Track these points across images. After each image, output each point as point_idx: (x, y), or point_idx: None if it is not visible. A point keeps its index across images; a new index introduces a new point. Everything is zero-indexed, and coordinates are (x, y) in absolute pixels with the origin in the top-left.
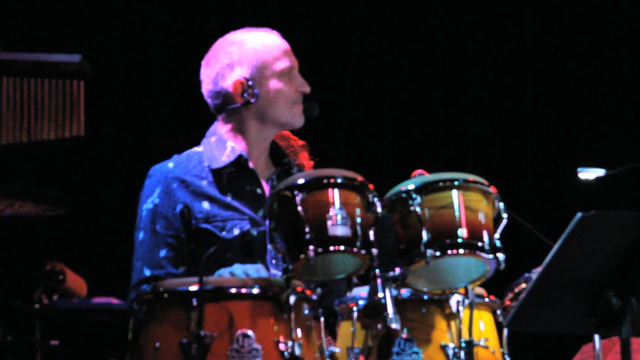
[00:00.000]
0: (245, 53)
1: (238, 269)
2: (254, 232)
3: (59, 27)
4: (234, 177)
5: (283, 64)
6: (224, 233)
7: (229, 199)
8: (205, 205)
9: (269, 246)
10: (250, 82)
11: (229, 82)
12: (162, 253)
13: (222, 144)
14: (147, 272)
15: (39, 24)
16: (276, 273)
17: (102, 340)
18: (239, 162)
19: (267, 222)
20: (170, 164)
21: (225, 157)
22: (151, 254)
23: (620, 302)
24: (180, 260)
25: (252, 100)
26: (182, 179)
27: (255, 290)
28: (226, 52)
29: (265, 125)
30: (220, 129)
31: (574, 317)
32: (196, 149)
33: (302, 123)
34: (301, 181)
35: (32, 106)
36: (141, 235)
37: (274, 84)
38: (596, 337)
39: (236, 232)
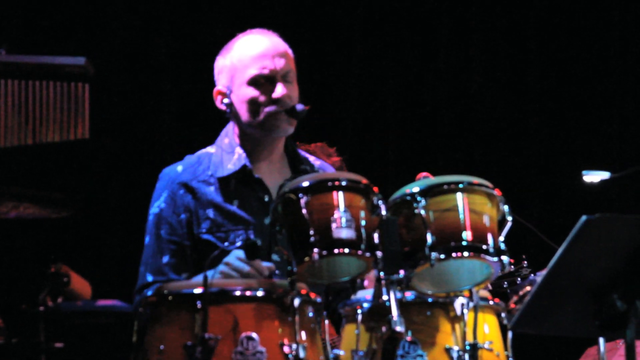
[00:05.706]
0: (226, 63)
1: (230, 258)
2: (259, 242)
3: (64, 30)
4: (241, 184)
5: (253, 71)
6: (226, 244)
7: (234, 207)
8: (210, 213)
9: (274, 256)
10: (228, 92)
11: (215, 90)
12: (165, 259)
13: (231, 149)
14: (150, 278)
15: (43, 27)
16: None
17: (106, 343)
18: (244, 172)
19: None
20: (180, 167)
21: (231, 165)
22: (154, 260)
23: (624, 305)
24: (182, 267)
25: (227, 110)
26: (189, 185)
27: (260, 293)
28: (218, 60)
29: (248, 132)
30: (231, 130)
31: (579, 320)
32: (209, 149)
33: (283, 131)
34: (305, 184)
35: (36, 109)
36: (147, 239)
37: (243, 91)
38: (601, 340)
39: (239, 244)
